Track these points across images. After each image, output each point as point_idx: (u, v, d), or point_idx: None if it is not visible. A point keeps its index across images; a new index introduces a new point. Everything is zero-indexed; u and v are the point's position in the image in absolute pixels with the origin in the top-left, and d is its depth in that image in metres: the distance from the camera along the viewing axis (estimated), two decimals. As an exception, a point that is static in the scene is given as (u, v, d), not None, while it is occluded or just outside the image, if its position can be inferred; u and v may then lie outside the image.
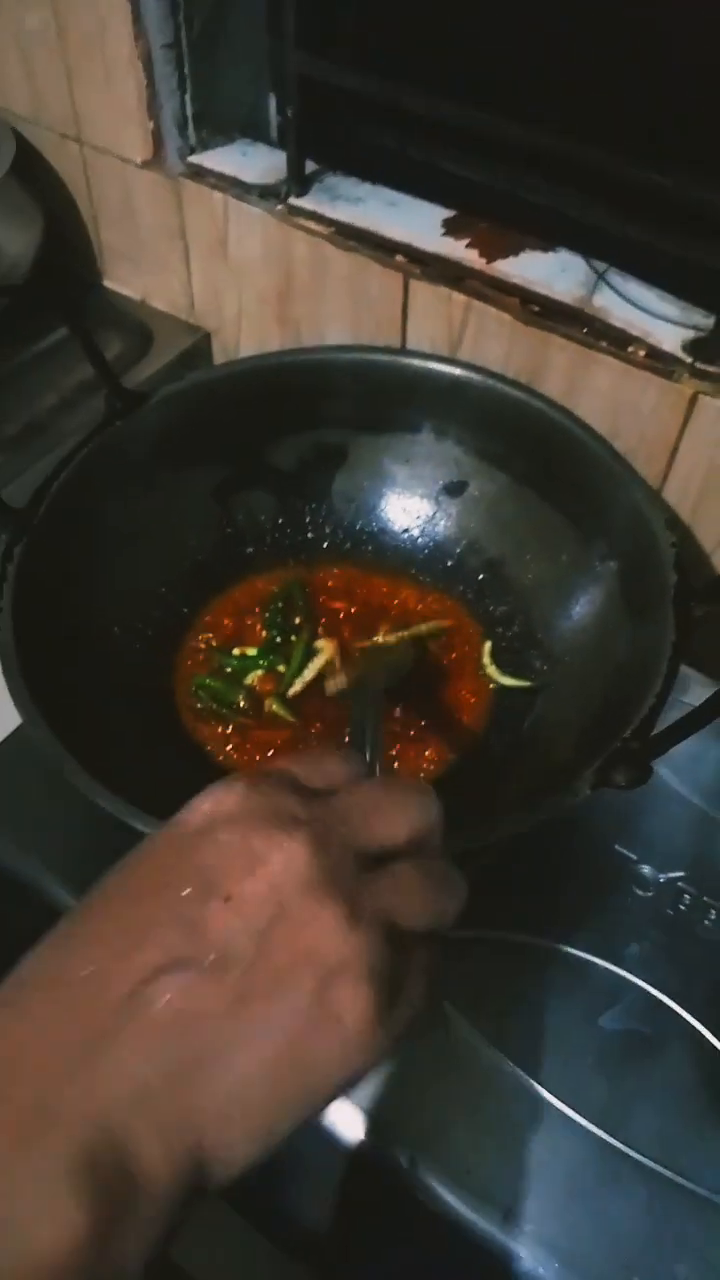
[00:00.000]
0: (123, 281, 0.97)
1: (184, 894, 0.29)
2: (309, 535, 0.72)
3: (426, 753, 0.61)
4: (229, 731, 0.62)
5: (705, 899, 0.59)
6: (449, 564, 0.71)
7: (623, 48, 0.67)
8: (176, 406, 0.63)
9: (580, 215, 0.69)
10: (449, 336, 0.75)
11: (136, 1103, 0.26)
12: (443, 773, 0.60)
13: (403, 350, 0.68)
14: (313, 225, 0.77)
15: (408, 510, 0.72)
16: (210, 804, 0.31)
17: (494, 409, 0.64)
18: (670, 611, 0.51)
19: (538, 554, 0.65)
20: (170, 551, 0.67)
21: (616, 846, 0.60)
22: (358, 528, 0.72)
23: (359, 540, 0.73)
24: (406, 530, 0.72)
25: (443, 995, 0.55)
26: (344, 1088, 0.28)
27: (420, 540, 0.71)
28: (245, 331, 0.90)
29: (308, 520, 0.72)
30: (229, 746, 0.62)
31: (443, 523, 0.70)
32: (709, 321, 0.68)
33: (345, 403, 0.68)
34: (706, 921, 0.58)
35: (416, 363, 0.65)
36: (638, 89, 0.67)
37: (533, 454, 0.64)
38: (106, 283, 0.98)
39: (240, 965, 0.27)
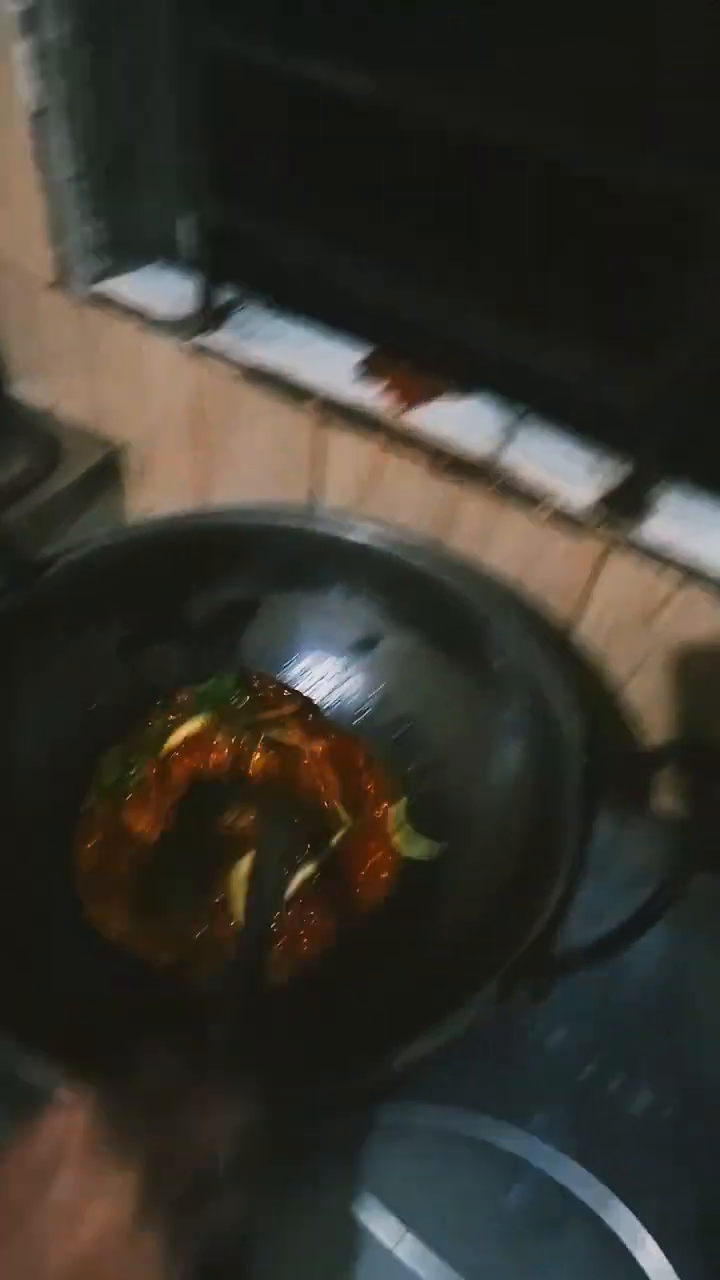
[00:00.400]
0: (30, 391, 0.95)
1: (31, 1223, 0.33)
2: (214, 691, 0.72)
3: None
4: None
5: (608, 1064, 0.61)
6: (360, 719, 0.71)
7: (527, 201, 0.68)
8: (77, 574, 0.62)
9: (493, 347, 0.70)
10: (362, 480, 0.76)
11: None
12: (339, 952, 0.61)
13: (310, 514, 0.68)
14: (223, 365, 0.77)
15: (320, 664, 0.72)
16: (61, 1124, 0.35)
17: (400, 574, 0.65)
18: (576, 797, 0.53)
19: (448, 715, 0.67)
20: (75, 714, 0.66)
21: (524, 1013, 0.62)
22: (269, 681, 0.72)
23: (270, 695, 0.72)
24: (319, 683, 0.72)
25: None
26: None
27: (333, 694, 0.72)
28: (158, 450, 0.89)
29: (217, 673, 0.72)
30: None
31: (355, 677, 0.71)
32: (618, 473, 0.70)
33: (254, 562, 0.68)
34: (611, 1084, 0.60)
35: (323, 529, 0.66)
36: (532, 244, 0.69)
37: (439, 619, 0.65)
38: (14, 391, 0.96)
39: None
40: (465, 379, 0.75)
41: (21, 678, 0.62)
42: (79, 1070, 0.43)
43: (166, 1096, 0.38)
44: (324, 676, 0.73)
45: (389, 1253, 0.54)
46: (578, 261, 0.70)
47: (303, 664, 0.73)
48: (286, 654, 0.72)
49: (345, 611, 0.70)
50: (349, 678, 0.71)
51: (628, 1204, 0.55)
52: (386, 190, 0.73)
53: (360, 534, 0.66)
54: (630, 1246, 0.54)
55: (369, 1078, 0.45)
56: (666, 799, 0.81)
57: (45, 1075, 0.44)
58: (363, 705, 0.71)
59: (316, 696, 0.73)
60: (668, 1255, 0.54)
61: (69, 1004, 0.51)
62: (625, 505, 0.67)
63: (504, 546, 0.72)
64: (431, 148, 0.63)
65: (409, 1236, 0.54)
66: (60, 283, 0.82)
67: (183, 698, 0.71)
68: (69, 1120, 0.35)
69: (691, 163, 0.52)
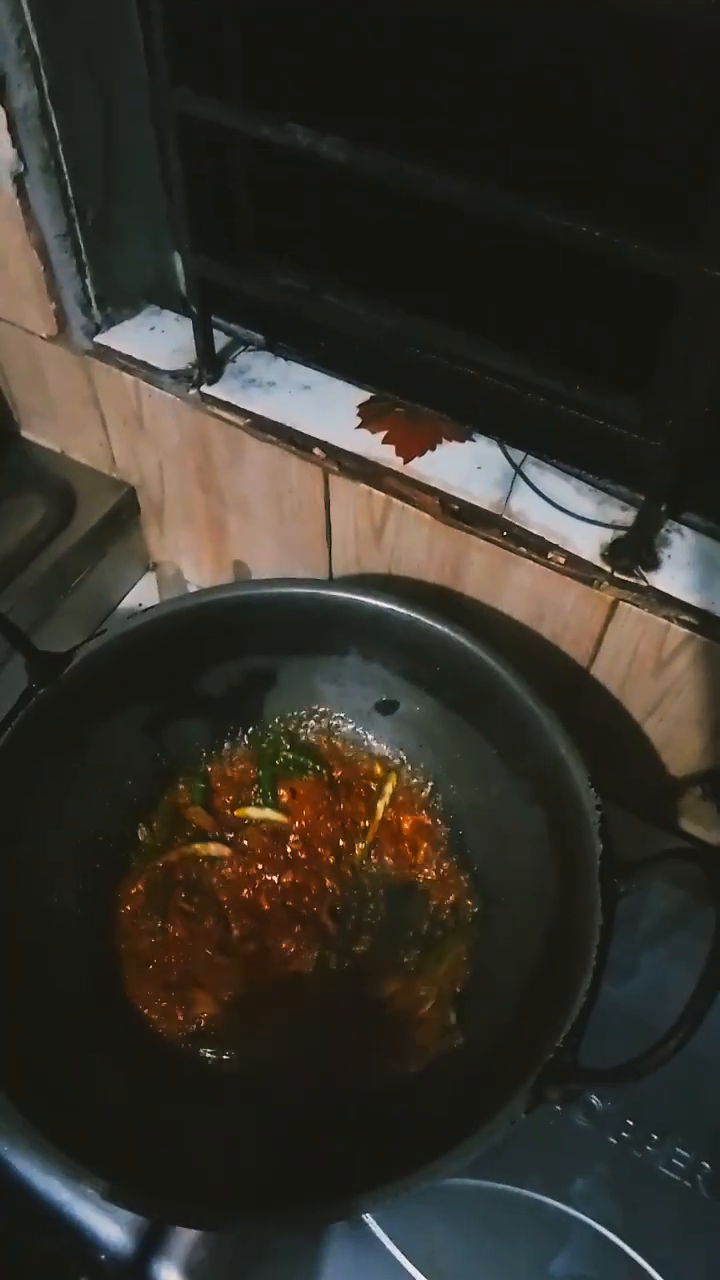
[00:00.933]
0: (40, 434, 0.95)
1: None
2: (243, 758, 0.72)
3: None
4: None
5: (645, 1123, 0.61)
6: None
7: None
8: (98, 662, 0.62)
9: (494, 382, 0.68)
10: (372, 525, 0.75)
11: None
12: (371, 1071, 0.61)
13: (321, 582, 0.67)
14: (227, 415, 0.75)
15: (341, 727, 0.72)
16: None
17: (417, 639, 0.64)
18: (597, 890, 0.52)
19: (468, 781, 0.66)
20: (106, 799, 0.67)
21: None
22: (289, 745, 0.73)
23: (291, 758, 0.73)
24: (342, 744, 0.73)
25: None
26: None
27: (356, 756, 0.72)
28: (169, 491, 0.89)
29: (243, 743, 0.72)
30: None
31: (376, 740, 0.71)
32: (626, 515, 0.68)
33: (269, 632, 0.67)
34: (649, 1147, 0.60)
35: (338, 594, 0.65)
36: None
37: (458, 683, 0.65)
38: (24, 433, 0.96)
39: None
40: (467, 419, 0.73)
41: (50, 769, 0.63)
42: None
43: None
44: (347, 738, 0.72)
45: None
46: (579, 290, 0.67)
47: (323, 726, 0.72)
48: (307, 718, 0.72)
49: (363, 675, 0.69)
50: (372, 739, 0.71)
51: (664, 1274, 0.56)
52: (377, 229, 0.70)
53: (375, 599, 0.66)
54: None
55: (400, 1195, 0.46)
56: (690, 838, 0.80)
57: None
58: (385, 767, 0.71)
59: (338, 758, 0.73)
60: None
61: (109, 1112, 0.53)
62: (635, 551, 0.65)
63: (515, 594, 0.71)
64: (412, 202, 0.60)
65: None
66: (59, 337, 0.81)
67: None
68: None
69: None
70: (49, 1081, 0.51)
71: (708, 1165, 0.60)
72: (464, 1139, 0.47)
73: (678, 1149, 0.60)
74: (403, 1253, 0.57)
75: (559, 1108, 0.48)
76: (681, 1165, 0.60)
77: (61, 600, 0.89)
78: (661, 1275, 0.56)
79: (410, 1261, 0.57)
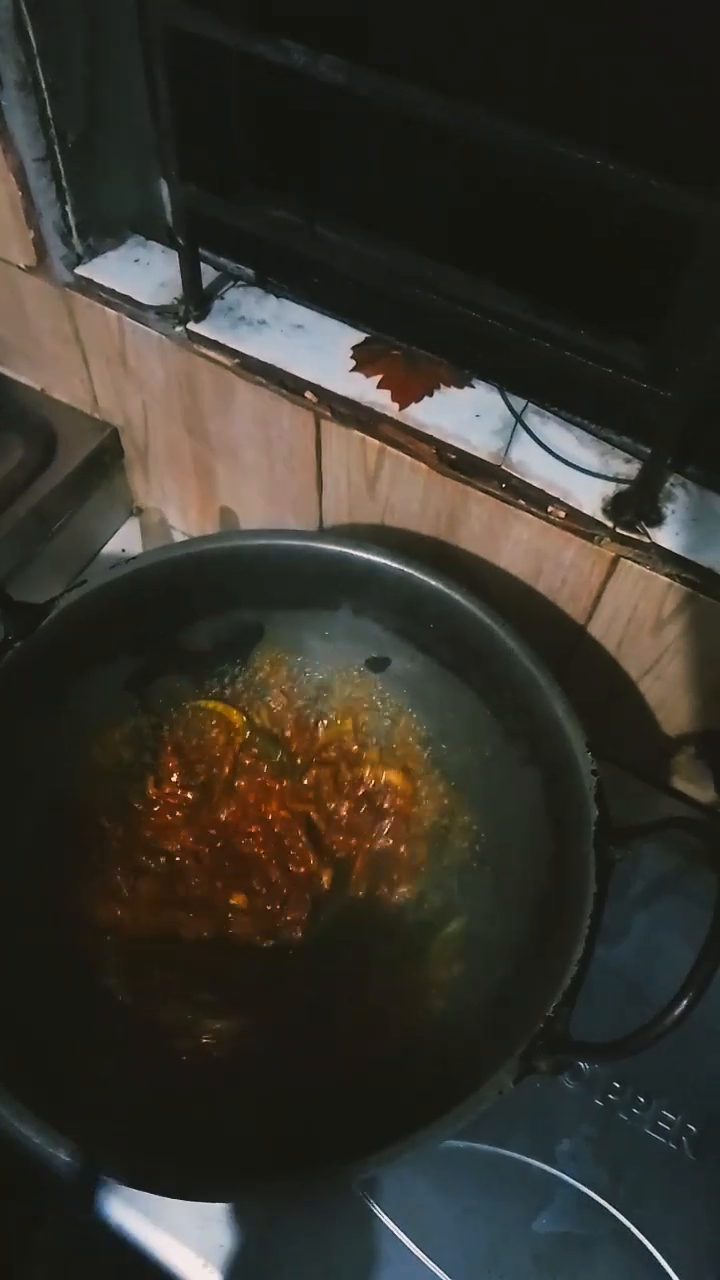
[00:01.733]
0: (20, 371, 0.91)
1: None
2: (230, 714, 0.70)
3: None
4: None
5: (632, 1085, 0.61)
6: (377, 737, 0.69)
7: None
8: (79, 614, 0.60)
9: (494, 325, 0.65)
10: (365, 474, 0.72)
11: None
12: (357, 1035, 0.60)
13: (312, 534, 0.65)
14: (215, 355, 0.72)
15: (331, 683, 0.70)
16: None
17: (411, 595, 0.62)
18: (591, 857, 0.51)
19: (462, 740, 0.65)
20: (86, 758, 0.65)
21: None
22: (280, 701, 0.71)
23: (282, 714, 0.71)
24: (331, 703, 0.71)
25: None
26: None
27: (345, 714, 0.70)
28: (154, 433, 0.85)
29: (228, 699, 0.70)
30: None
31: (366, 697, 0.69)
32: (630, 468, 0.66)
33: (259, 585, 0.65)
34: (634, 1110, 0.60)
35: (331, 547, 0.62)
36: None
37: (452, 640, 0.62)
38: (3, 370, 0.92)
39: None
40: (467, 364, 0.70)
41: (29, 724, 0.61)
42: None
43: None
44: (333, 697, 0.70)
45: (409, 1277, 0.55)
46: (585, 232, 0.64)
47: (314, 685, 0.70)
48: (295, 675, 0.70)
49: (355, 630, 0.67)
50: (360, 696, 0.69)
51: (648, 1235, 0.56)
52: (375, 162, 0.66)
53: (368, 553, 0.63)
54: (655, 1273, 0.55)
55: (385, 1165, 0.45)
56: (682, 797, 0.79)
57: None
58: (376, 727, 0.69)
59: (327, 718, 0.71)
60: (684, 1283, 0.55)
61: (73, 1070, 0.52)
62: (639, 506, 0.63)
63: (513, 548, 0.69)
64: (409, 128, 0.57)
65: (430, 1264, 0.55)
66: (38, 268, 0.77)
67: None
68: None
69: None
70: (27, 1046, 0.50)
71: (694, 1128, 0.60)
72: (451, 1108, 0.46)
73: (664, 1112, 0.60)
74: (386, 1213, 0.57)
75: (551, 1074, 0.47)
76: (667, 1128, 0.60)
77: (41, 546, 0.86)
78: (644, 1235, 0.56)
79: (393, 1221, 0.56)
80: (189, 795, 0.68)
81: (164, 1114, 0.53)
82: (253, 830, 0.68)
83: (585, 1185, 0.58)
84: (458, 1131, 0.45)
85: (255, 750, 0.70)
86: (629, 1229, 0.57)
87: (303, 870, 0.66)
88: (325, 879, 0.66)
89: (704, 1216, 0.57)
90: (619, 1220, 0.57)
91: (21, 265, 0.77)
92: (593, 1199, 0.57)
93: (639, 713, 0.76)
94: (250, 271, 0.77)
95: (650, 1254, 0.56)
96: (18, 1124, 0.45)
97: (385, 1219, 0.57)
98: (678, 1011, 0.39)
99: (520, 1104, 0.60)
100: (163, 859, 0.66)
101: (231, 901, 0.65)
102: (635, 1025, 0.62)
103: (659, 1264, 0.55)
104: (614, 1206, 0.57)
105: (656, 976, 0.63)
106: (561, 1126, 0.60)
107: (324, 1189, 0.48)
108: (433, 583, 0.61)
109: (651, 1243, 0.56)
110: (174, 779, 0.68)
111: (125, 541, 0.94)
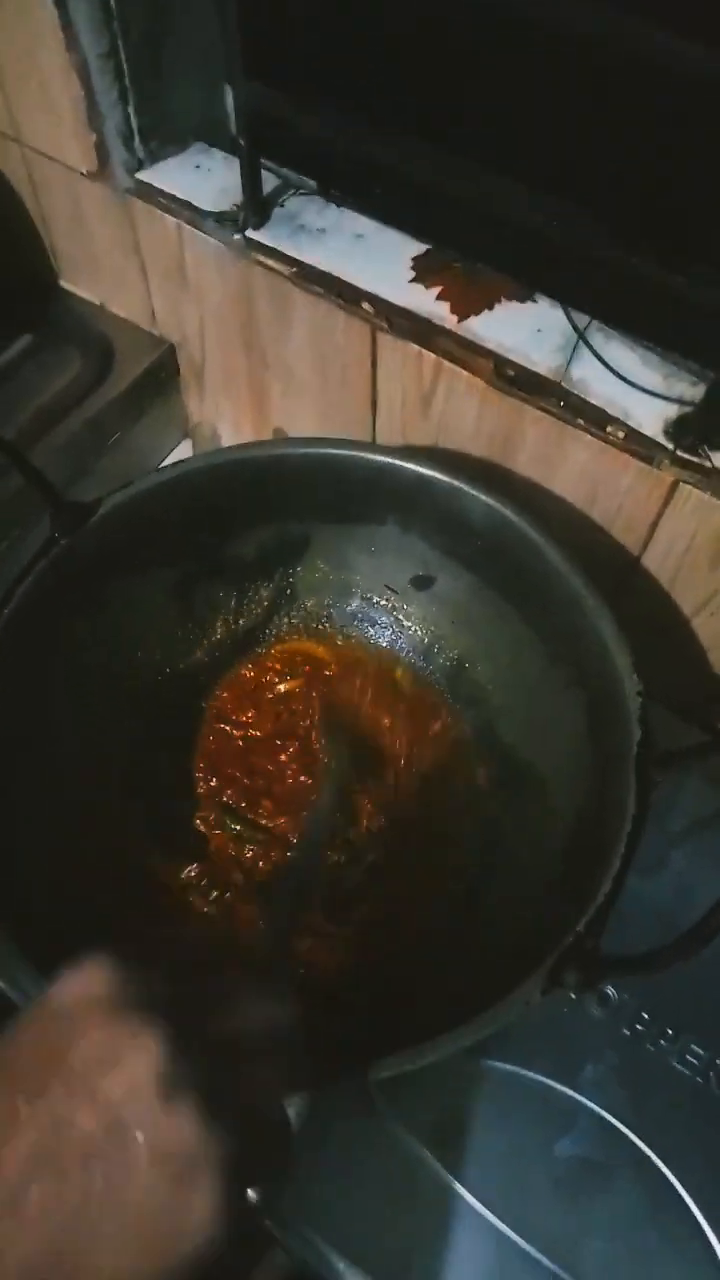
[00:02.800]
0: (80, 285, 0.91)
1: (52, 1090, 0.31)
2: (271, 628, 0.70)
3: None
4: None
5: (661, 1018, 0.60)
6: (417, 657, 0.68)
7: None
8: (124, 516, 0.59)
9: (560, 239, 0.62)
10: (420, 391, 0.70)
11: None
12: (390, 935, 0.60)
13: (363, 444, 0.63)
14: (272, 263, 0.71)
15: (373, 600, 0.69)
16: (79, 985, 0.33)
17: (460, 510, 0.60)
18: (632, 778, 0.50)
19: (504, 663, 0.63)
20: (130, 664, 0.65)
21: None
22: (323, 617, 0.70)
23: (325, 631, 0.70)
24: (373, 620, 0.70)
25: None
26: (210, 1254, 0.31)
27: (387, 632, 0.69)
28: (210, 351, 0.84)
29: (271, 611, 0.70)
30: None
31: (409, 616, 0.67)
32: (695, 390, 0.63)
33: (305, 495, 0.64)
34: (662, 1041, 0.59)
35: (379, 458, 0.61)
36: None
37: (499, 559, 0.61)
38: (64, 284, 0.92)
39: (103, 1164, 0.30)
40: (528, 278, 0.67)
41: (73, 627, 0.61)
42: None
43: (195, 965, 0.36)
44: (380, 612, 0.70)
45: (432, 1194, 0.55)
46: (660, 145, 0.61)
47: (356, 601, 0.70)
48: (339, 590, 0.69)
49: (401, 546, 0.66)
50: (406, 615, 0.68)
51: (669, 1164, 0.55)
52: (442, 64, 0.64)
53: (417, 465, 0.61)
54: (675, 1203, 0.55)
55: (406, 1067, 0.45)
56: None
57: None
58: (420, 643, 0.68)
59: (373, 632, 0.70)
60: (706, 1217, 0.54)
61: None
62: (702, 430, 0.60)
63: (568, 471, 0.67)
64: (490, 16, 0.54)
65: (451, 1181, 0.55)
66: (100, 173, 0.76)
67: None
68: (88, 981, 0.32)
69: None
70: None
71: (724, 1062, 0.58)
72: (476, 1016, 0.45)
73: (692, 1045, 0.59)
74: (408, 1128, 0.57)
75: (574, 995, 0.46)
76: (695, 1062, 0.59)
77: (95, 461, 0.86)
78: (665, 1163, 0.55)
79: (414, 1136, 0.56)
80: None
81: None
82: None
83: (608, 1112, 0.57)
84: (481, 1039, 0.45)
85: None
86: (650, 1157, 0.56)
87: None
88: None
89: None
90: (640, 1148, 0.56)
91: (83, 171, 0.77)
92: (615, 1126, 0.57)
93: (691, 652, 0.73)
94: (312, 183, 0.75)
95: (670, 1183, 0.55)
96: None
97: (406, 1134, 0.57)
98: (709, 929, 0.38)
99: (547, 1028, 0.59)
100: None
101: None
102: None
103: (678, 1193, 0.55)
104: (636, 1135, 0.56)
105: (691, 907, 0.61)
106: (587, 1053, 0.59)
107: (341, 1085, 0.48)
108: (482, 497, 0.59)
109: (672, 1172, 0.55)
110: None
111: (178, 461, 0.94)
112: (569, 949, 0.46)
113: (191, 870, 0.62)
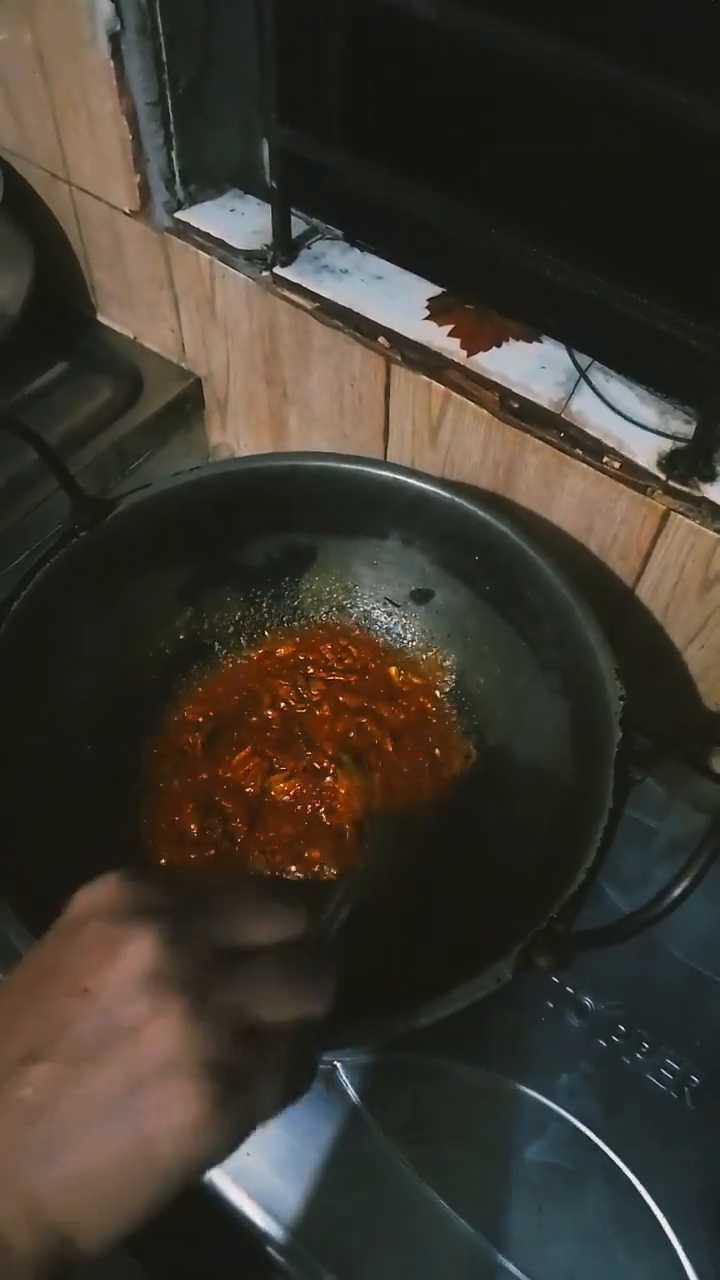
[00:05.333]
0: (115, 319, 0.96)
1: (47, 989, 0.31)
2: (277, 634, 0.72)
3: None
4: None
5: (638, 1030, 0.60)
6: (413, 669, 0.71)
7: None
8: (142, 515, 0.63)
9: (566, 287, 0.66)
10: (429, 422, 0.74)
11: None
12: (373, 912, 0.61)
13: (370, 460, 0.67)
14: (296, 299, 0.75)
15: (374, 612, 0.72)
16: (86, 898, 0.34)
17: (459, 525, 0.63)
18: (610, 775, 0.52)
19: (496, 673, 0.66)
20: (134, 658, 0.68)
21: (554, 977, 0.62)
22: (327, 626, 0.73)
23: (326, 639, 0.73)
24: (374, 631, 0.73)
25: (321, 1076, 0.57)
26: (194, 1171, 0.31)
27: (389, 641, 0.71)
28: (234, 384, 0.89)
29: (276, 618, 0.73)
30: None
31: (409, 628, 0.70)
32: (688, 429, 0.67)
33: (313, 507, 0.67)
34: (639, 1054, 0.60)
35: (383, 474, 0.65)
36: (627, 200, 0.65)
37: (495, 573, 0.64)
38: (100, 317, 0.97)
39: (90, 1058, 0.30)
40: (535, 322, 0.72)
41: (85, 617, 0.64)
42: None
43: (203, 881, 0.36)
44: (381, 623, 0.72)
45: (401, 1194, 0.55)
46: (663, 201, 0.66)
47: (357, 613, 0.72)
48: (342, 600, 0.72)
49: (402, 561, 0.69)
50: (406, 626, 0.71)
51: (638, 1175, 0.55)
52: (462, 120, 0.69)
53: (420, 481, 0.65)
54: (644, 1215, 0.55)
55: (373, 1040, 0.46)
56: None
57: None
58: (419, 654, 0.71)
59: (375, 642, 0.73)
60: (674, 1230, 0.54)
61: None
62: (693, 462, 0.63)
63: (566, 501, 0.70)
64: (506, 76, 0.59)
65: (420, 1182, 0.56)
66: (141, 212, 0.81)
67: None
68: (95, 893, 0.33)
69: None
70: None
71: (696, 1079, 0.59)
72: (446, 992, 0.46)
73: (668, 1059, 0.59)
74: (379, 1126, 0.57)
75: (548, 973, 0.47)
76: (670, 1076, 0.59)
77: (118, 482, 0.90)
78: (635, 1175, 0.55)
79: (384, 1133, 0.57)
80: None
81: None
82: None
83: (580, 1121, 0.57)
84: (453, 1013, 0.46)
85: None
86: (620, 1168, 0.56)
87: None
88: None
89: (696, 1163, 0.56)
90: (611, 1159, 0.56)
91: (126, 210, 0.82)
92: (587, 1135, 0.57)
93: (681, 685, 0.75)
94: (339, 231, 0.80)
95: (639, 1193, 0.55)
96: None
97: (378, 1131, 0.57)
98: (677, 892, 0.40)
99: (522, 1035, 0.60)
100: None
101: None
102: (645, 970, 0.63)
103: (646, 1203, 0.55)
104: (607, 1145, 0.57)
105: (672, 925, 0.62)
106: (562, 1062, 0.59)
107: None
108: (480, 513, 0.62)
109: (641, 1183, 0.55)
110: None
111: (197, 490, 0.98)
112: (541, 932, 0.48)
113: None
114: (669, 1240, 0.54)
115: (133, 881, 0.34)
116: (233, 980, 0.32)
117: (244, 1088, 0.31)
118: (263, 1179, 0.55)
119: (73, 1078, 0.30)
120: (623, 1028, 0.61)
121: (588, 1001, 0.61)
